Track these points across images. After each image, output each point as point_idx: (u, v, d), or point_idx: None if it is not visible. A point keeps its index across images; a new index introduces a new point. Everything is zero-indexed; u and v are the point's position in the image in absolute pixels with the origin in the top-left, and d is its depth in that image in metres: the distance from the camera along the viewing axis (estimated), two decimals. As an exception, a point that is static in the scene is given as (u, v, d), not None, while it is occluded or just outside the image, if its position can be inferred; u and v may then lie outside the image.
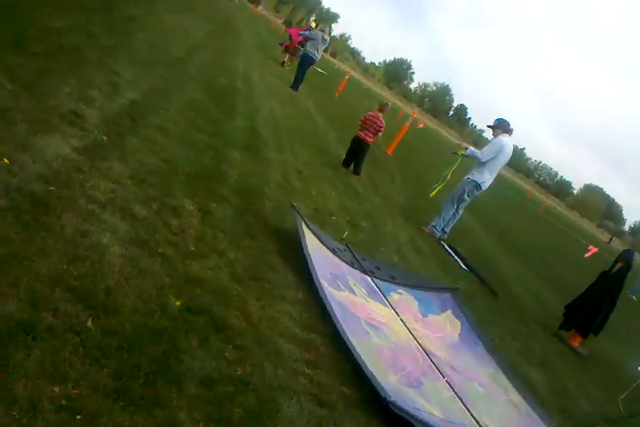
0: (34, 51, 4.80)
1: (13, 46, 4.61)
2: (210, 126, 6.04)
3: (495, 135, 7.53)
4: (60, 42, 5.54)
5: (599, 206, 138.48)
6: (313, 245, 4.16)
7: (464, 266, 7.25)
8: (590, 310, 6.57)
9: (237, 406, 2.25)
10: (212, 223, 3.72)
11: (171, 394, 2.09)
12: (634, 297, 18.32)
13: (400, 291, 4.72)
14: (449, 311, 4.82)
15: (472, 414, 3.32)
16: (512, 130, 7.56)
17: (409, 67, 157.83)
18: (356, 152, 8.57)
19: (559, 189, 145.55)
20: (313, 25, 17.56)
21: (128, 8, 9.94)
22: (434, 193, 8.40)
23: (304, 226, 4.21)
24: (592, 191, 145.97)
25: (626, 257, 6.72)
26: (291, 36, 17.65)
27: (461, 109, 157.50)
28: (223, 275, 3.18)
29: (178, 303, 2.64)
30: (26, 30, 5.15)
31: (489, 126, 7.67)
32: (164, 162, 4.24)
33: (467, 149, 7.67)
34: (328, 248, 4.44)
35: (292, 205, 4.42)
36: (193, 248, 3.26)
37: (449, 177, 8.11)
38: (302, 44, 18.68)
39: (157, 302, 2.56)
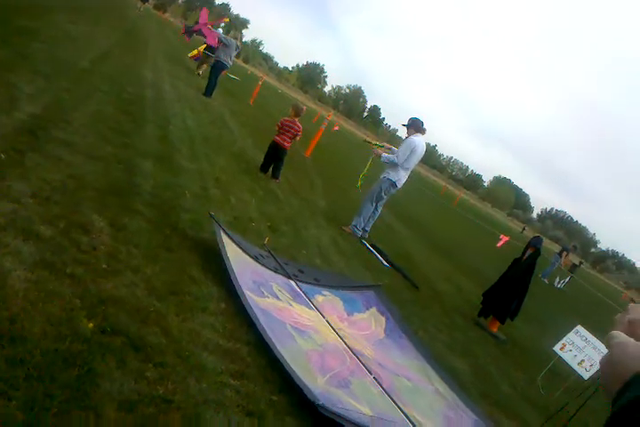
0: None
1: None
2: (119, 138, 5.84)
3: (409, 134, 7.77)
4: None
5: (508, 197, 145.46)
6: (234, 254, 4.11)
7: (386, 263, 7.40)
8: (505, 296, 6.86)
9: (161, 426, 2.18)
10: (125, 239, 3.59)
11: (88, 421, 1.99)
12: (546, 280, 19.34)
13: (324, 292, 4.75)
14: (374, 309, 4.89)
15: (401, 409, 3.38)
16: (425, 129, 7.82)
17: (322, 71, 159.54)
18: (274, 157, 8.56)
19: (471, 182, 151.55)
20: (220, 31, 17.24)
21: (26, 20, 9.46)
22: (359, 184, 8.52)
23: (223, 235, 4.15)
24: (501, 183, 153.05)
25: (535, 244, 7.06)
26: (200, 32, 17.09)
27: (375, 110, 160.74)
28: (139, 291, 3.08)
29: (90, 325, 2.52)
30: None
31: (403, 125, 7.89)
32: (70, 178, 4.06)
33: (382, 156, 7.83)
34: (250, 256, 4.40)
35: (210, 215, 4.34)
36: (105, 266, 3.13)
37: (366, 169, 8.27)
38: (212, 50, 18.47)
39: (68, 325, 2.44)
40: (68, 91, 6.58)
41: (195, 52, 24.91)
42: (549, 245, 64.01)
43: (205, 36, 17.25)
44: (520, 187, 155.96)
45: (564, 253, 20.10)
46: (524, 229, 25.36)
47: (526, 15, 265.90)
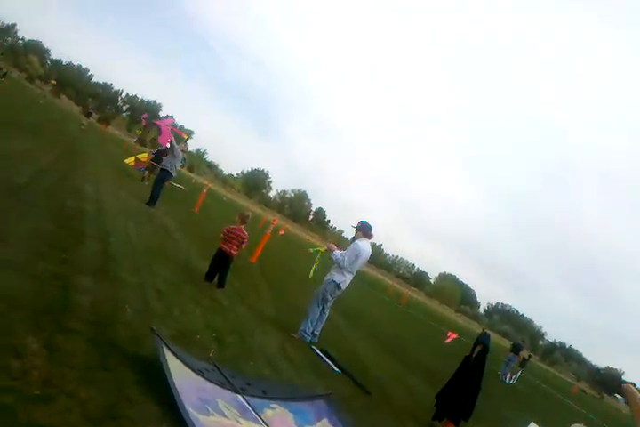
0: None
1: None
2: (57, 254, 5.73)
3: (356, 237, 8.00)
4: None
5: (455, 293, 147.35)
6: (177, 370, 3.95)
7: (337, 368, 7.24)
8: (458, 396, 6.77)
9: None
10: (59, 360, 3.43)
11: None
12: (506, 379, 19.17)
13: (273, 405, 4.57)
14: (325, 420, 4.72)
15: None
16: (372, 234, 8.07)
17: (266, 176, 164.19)
18: (220, 265, 8.53)
19: (417, 279, 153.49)
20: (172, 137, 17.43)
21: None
22: (312, 273, 8.54)
23: (166, 350, 4.01)
24: (446, 279, 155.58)
25: (483, 340, 7.10)
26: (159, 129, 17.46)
27: (320, 213, 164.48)
28: (74, 418, 2.89)
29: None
30: None
31: (352, 226, 8.13)
32: (2, 299, 3.91)
33: (332, 251, 8.00)
34: (194, 371, 4.24)
35: (152, 329, 4.22)
36: (37, 392, 2.96)
37: (317, 260, 8.35)
38: (158, 159, 18.83)
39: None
40: (3, 208, 6.51)
41: (132, 158, 25.27)
42: (499, 341, 64.23)
43: (160, 133, 17.55)
44: (465, 282, 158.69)
45: (520, 353, 20.26)
46: (529, 356, 25.21)
47: (457, 113, 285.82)
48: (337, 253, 7.98)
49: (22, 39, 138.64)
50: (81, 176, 13.00)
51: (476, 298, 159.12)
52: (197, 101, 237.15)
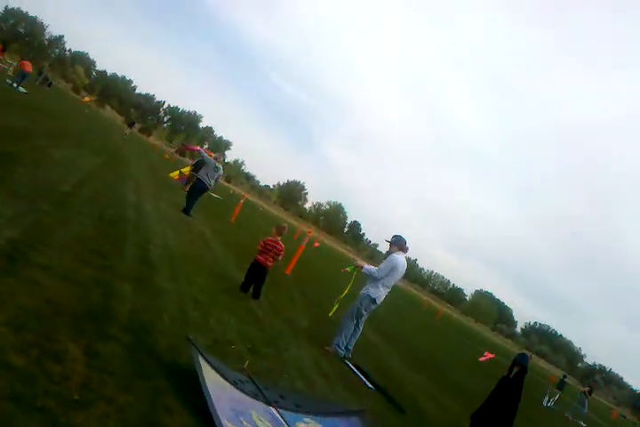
0: None
1: None
2: (98, 260, 5.83)
3: (391, 251, 7.94)
4: None
5: (491, 310, 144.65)
6: (212, 380, 3.96)
7: (370, 384, 7.15)
8: (494, 417, 6.60)
9: None
10: (98, 366, 3.47)
11: None
12: (582, 423, 18.71)
13: (306, 420, 4.53)
14: (358, 437, 4.65)
15: None
16: (407, 248, 8.00)
17: (302, 188, 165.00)
18: (256, 276, 8.56)
19: (452, 296, 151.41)
20: (203, 150, 18.23)
21: (9, 144, 9.83)
22: (332, 312, 8.50)
23: (201, 360, 4.03)
24: (483, 296, 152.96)
25: (521, 361, 6.93)
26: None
27: (355, 226, 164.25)
28: (112, 424, 2.91)
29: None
30: None
31: (387, 241, 8.07)
32: (46, 303, 3.99)
33: (362, 267, 7.97)
34: (229, 381, 4.24)
35: (188, 339, 4.24)
36: (77, 397, 2.99)
37: (344, 294, 8.30)
38: (197, 169, 19.52)
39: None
40: (48, 214, 6.66)
41: (176, 173, 26.02)
42: (536, 362, 62.59)
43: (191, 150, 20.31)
44: (502, 300, 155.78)
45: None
46: (564, 377, 24.25)
47: (491, 133, 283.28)
48: (367, 266, 7.94)
49: (69, 50, 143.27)
50: (123, 184, 13.27)
51: (512, 317, 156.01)
52: (236, 113, 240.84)
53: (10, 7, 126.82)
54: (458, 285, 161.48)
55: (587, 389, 19.64)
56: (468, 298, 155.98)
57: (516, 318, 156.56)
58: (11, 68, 32.91)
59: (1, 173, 7.33)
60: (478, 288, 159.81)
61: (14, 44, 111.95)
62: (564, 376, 24.84)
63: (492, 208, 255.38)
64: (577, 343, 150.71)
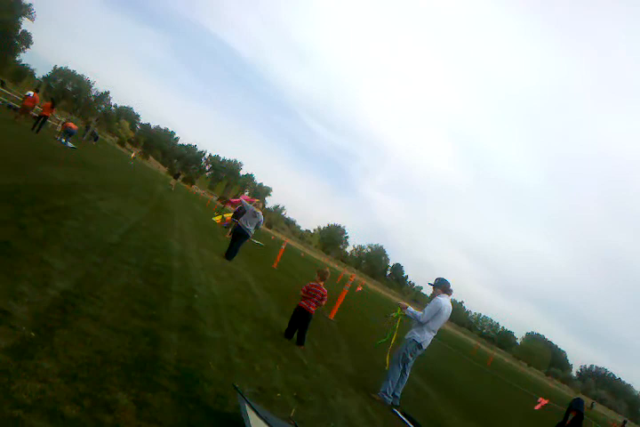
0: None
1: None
2: (145, 310, 5.95)
3: (435, 294, 7.84)
4: (-9, 238, 5.58)
5: (544, 354, 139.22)
6: (259, 430, 3.94)
7: (420, 434, 6.95)
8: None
9: None
10: (148, 416, 3.51)
11: None
12: None
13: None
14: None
15: None
16: (452, 290, 7.90)
17: (343, 231, 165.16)
18: (299, 322, 8.54)
19: (503, 339, 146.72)
20: (245, 199, 18.71)
21: (60, 199, 10.24)
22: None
23: (248, 408, 4.02)
24: (534, 339, 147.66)
25: (577, 407, 6.66)
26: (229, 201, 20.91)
27: (398, 268, 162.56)
28: (161, 475, 2.93)
29: None
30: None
31: (430, 284, 7.99)
32: (96, 354, 4.09)
33: (407, 308, 7.89)
34: (276, 430, 4.21)
35: (234, 387, 4.26)
36: (127, 448, 3.03)
37: (393, 340, 8.18)
38: (238, 216, 20.02)
39: None
40: (97, 265, 6.86)
41: (219, 217, 26.68)
42: (601, 410, 59.53)
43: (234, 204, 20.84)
44: (555, 343, 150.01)
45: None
46: (592, 404, 23.09)
47: (535, 169, 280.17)
48: (412, 309, 7.85)
49: (115, 105, 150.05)
50: (168, 234, 13.58)
51: (567, 360, 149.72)
52: (276, 159, 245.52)
53: (58, 67, 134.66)
54: (508, 327, 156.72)
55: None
56: (519, 341, 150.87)
57: (570, 362, 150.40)
58: (59, 125, 34.55)
59: (53, 227, 7.62)
60: (529, 331, 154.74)
61: (63, 101, 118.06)
62: (625, 422, 23.48)
63: (541, 247, 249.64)
64: (637, 387, 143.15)
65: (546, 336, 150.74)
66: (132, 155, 74.60)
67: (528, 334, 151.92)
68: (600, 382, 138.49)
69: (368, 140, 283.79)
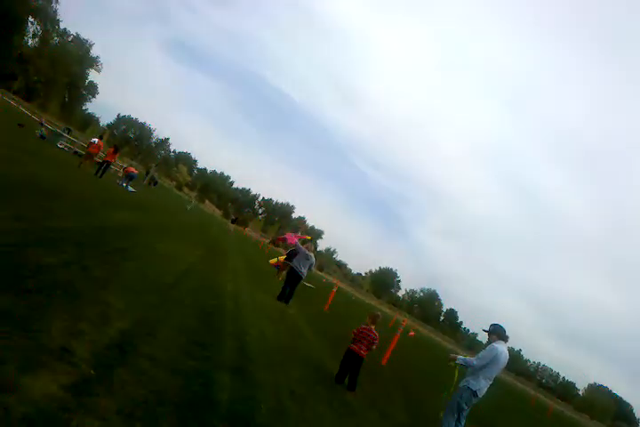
0: (27, 288, 5.04)
1: (7, 285, 4.85)
2: (199, 351, 6.03)
3: (490, 340, 7.61)
4: (53, 277, 5.83)
5: (608, 406, 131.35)
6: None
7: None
8: None
9: None
10: (201, 458, 3.53)
11: None
12: None
13: None
14: None
15: None
16: (507, 337, 7.66)
17: (395, 275, 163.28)
18: (350, 366, 8.43)
19: (563, 390, 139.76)
20: (298, 241, 19.06)
21: (120, 241, 10.61)
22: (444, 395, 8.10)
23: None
24: (597, 391, 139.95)
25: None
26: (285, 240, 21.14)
27: (451, 314, 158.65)
28: None
29: None
30: (20, 269, 5.48)
31: (484, 330, 7.78)
32: (151, 393, 4.16)
33: (457, 358, 7.68)
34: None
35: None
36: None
37: (452, 390, 7.94)
38: (290, 258, 20.20)
39: None
40: (154, 306, 7.03)
41: (275, 260, 27.04)
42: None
43: (287, 240, 20.91)
44: (619, 395, 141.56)
45: None
46: None
47: (594, 215, 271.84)
48: (462, 357, 7.64)
49: (174, 151, 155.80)
50: (221, 275, 13.79)
51: (633, 413, 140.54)
52: (328, 202, 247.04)
53: (122, 115, 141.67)
54: (569, 378, 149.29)
55: None
56: (580, 393, 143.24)
57: (637, 415, 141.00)
58: (121, 170, 36.02)
59: (114, 268, 7.89)
60: (592, 382, 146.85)
61: (125, 147, 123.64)
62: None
63: (599, 294, 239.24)
64: None
65: (610, 388, 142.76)
66: (192, 199, 76.93)
67: (590, 385, 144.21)
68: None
69: (420, 182, 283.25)
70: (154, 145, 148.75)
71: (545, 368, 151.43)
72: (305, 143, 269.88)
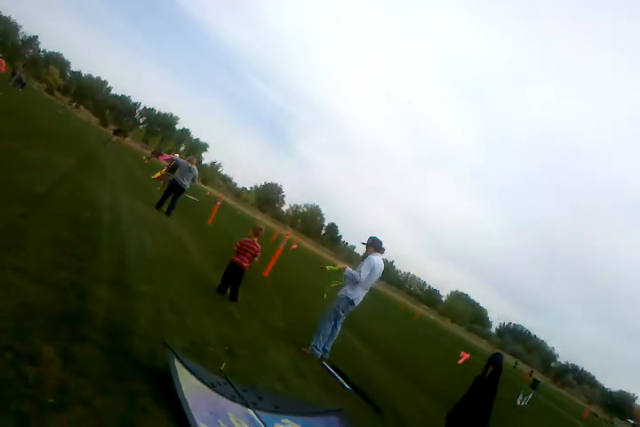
0: None
1: None
2: (74, 263, 5.77)
3: (368, 253, 7.95)
4: None
5: (466, 311, 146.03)
6: (188, 384, 3.94)
7: (347, 385, 7.17)
8: (468, 416, 6.69)
9: None
10: (74, 369, 3.43)
11: None
12: (524, 404, 18.96)
13: (285, 420, 4.53)
14: (336, 436, 4.66)
15: None
16: (384, 249, 8.03)
17: (280, 190, 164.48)
18: (232, 277, 8.53)
19: (429, 297, 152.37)
20: (177, 155, 18.82)
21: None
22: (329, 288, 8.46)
23: (177, 362, 4.00)
24: (458, 297, 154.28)
25: (495, 361, 7.02)
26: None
27: (332, 228, 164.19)
28: (88, 428, 2.89)
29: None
30: None
31: (363, 243, 8.09)
32: (19, 306, 3.94)
33: (345, 268, 7.97)
34: (206, 384, 4.22)
35: (164, 342, 4.22)
36: (52, 400, 2.96)
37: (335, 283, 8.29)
38: (173, 171, 19.80)
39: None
40: (23, 216, 6.57)
41: (158, 173, 26.36)
42: (509, 361, 63.26)
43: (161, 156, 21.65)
44: (477, 301, 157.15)
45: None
46: (516, 363, 24.55)
47: (472, 139, 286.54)
48: (350, 269, 7.96)
49: (44, 51, 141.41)
50: (98, 186, 13.12)
51: (487, 317, 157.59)
52: (213, 115, 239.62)
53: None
54: (434, 286, 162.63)
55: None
56: (444, 299, 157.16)
57: (490, 319, 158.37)
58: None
59: (-27, 175, 7.21)
60: (454, 289, 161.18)
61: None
62: (532, 372, 25.13)
63: (468, 209, 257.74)
64: (550, 343, 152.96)
65: (469, 295, 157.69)
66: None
67: (453, 292, 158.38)
68: (517, 338, 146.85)
69: (309, 99, 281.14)
70: (20, 43, 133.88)
71: (414, 277, 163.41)
72: (191, 52, 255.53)
